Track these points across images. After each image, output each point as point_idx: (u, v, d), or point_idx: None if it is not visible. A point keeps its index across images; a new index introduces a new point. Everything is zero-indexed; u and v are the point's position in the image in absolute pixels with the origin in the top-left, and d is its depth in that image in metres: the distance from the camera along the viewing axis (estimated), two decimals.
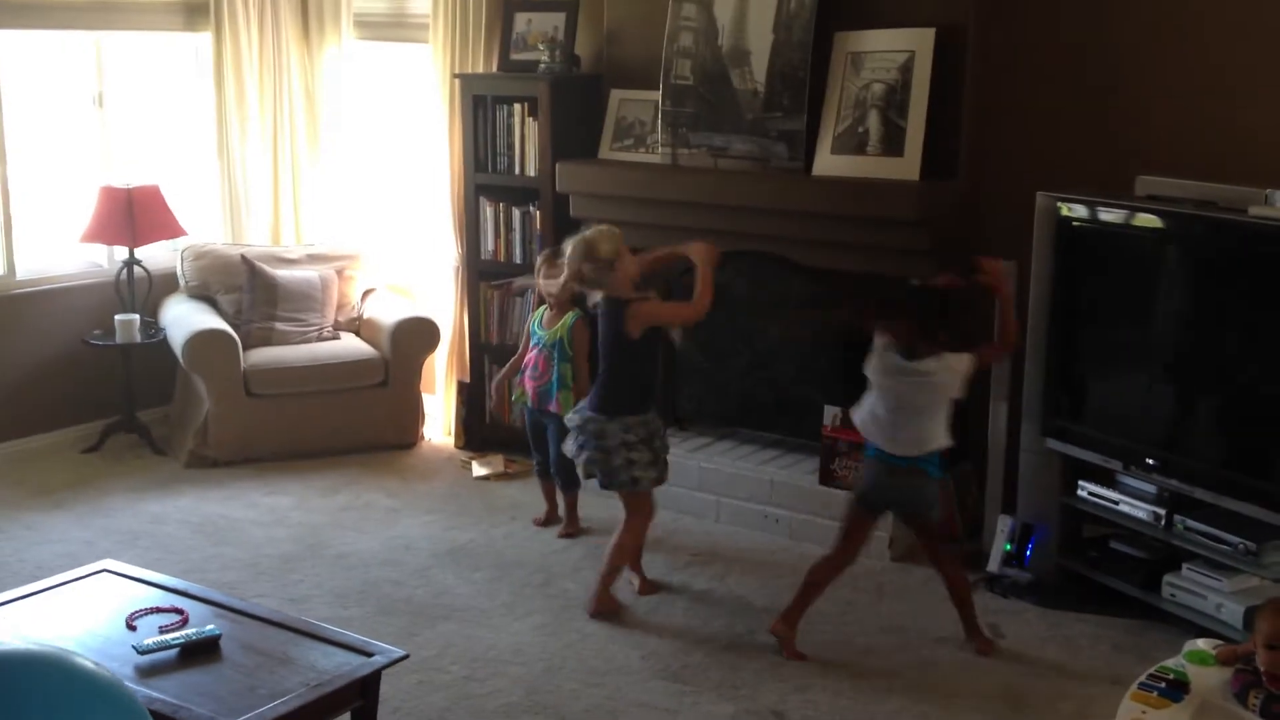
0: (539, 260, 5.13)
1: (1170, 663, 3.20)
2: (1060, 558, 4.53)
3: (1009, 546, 4.60)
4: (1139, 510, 4.31)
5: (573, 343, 4.97)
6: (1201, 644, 3.26)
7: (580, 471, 4.50)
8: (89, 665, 1.85)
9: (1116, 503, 4.38)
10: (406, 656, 3.33)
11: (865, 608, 4.48)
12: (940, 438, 4.01)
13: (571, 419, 4.42)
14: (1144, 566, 4.31)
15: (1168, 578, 4.21)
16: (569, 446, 4.44)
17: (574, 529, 5.09)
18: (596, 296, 4.38)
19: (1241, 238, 3.97)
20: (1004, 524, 4.65)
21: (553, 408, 4.95)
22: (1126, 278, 4.34)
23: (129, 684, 2.99)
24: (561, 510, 5.16)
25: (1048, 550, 4.54)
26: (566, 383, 4.96)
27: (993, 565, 4.63)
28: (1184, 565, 4.18)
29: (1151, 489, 4.29)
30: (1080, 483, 4.49)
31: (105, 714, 1.80)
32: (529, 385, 5.03)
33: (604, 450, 4.31)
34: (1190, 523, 4.17)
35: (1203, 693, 3.06)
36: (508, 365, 5.26)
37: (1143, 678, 3.13)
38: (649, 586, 4.59)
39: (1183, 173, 4.32)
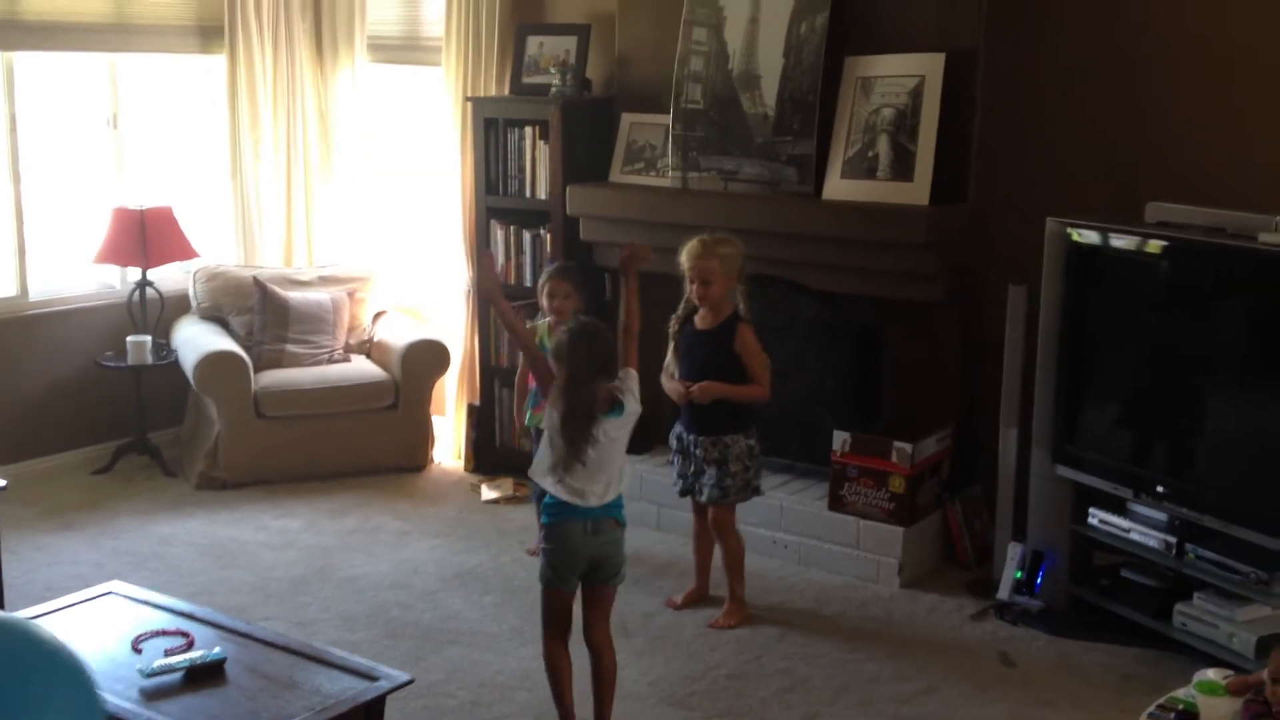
0: (543, 277, 5.09)
1: (1180, 693, 3.18)
2: (1071, 585, 4.51)
3: (1019, 574, 4.58)
4: (1150, 538, 4.29)
5: None
6: (1212, 674, 3.24)
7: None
8: (45, 634, 1.86)
9: (1127, 530, 4.36)
10: (412, 681, 3.32)
11: (874, 634, 4.45)
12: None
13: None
14: (1155, 595, 4.29)
15: (1179, 607, 4.18)
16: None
17: None
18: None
19: (1251, 264, 3.95)
20: (1014, 551, 4.62)
21: None
22: (1136, 303, 4.33)
23: (134, 706, 3.01)
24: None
25: (1058, 578, 4.52)
26: None
27: (1003, 593, 4.61)
28: (1195, 594, 4.15)
29: (1162, 517, 4.26)
30: (1091, 510, 4.47)
31: (55, 679, 1.81)
32: None
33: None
34: (1201, 551, 4.14)
35: None
36: (516, 390, 5.20)
37: (1151, 708, 3.12)
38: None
39: (1192, 199, 4.31)
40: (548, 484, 3.55)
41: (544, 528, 3.60)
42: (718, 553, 4.67)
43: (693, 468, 4.53)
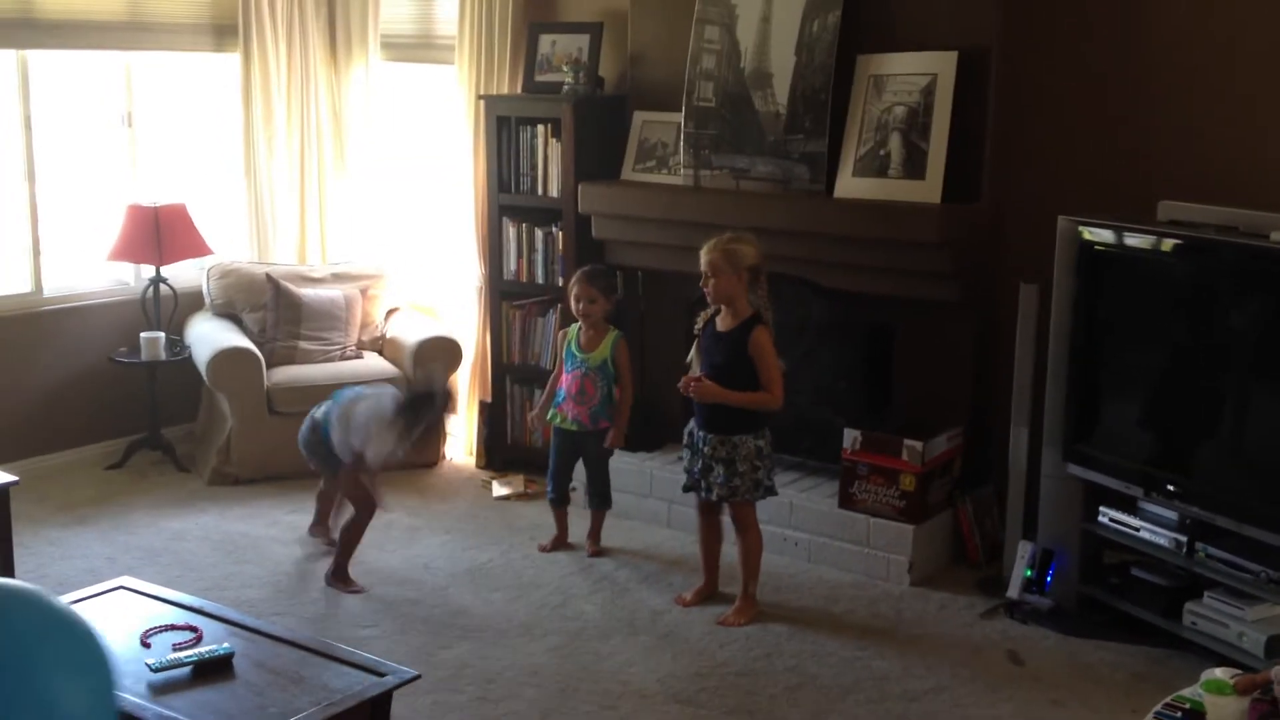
0: (574, 280, 5.12)
1: (1187, 692, 3.15)
2: (1081, 584, 4.49)
3: (1029, 572, 4.57)
4: (1160, 537, 4.27)
5: (617, 362, 5.00)
6: (1219, 673, 3.21)
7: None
8: (58, 604, 1.87)
9: (1137, 529, 4.34)
10: (419, 677, 3.33)
11: (883, 632, 4.45)
12: None
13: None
14: (1165, 594, 4.27)
15: (1189, 605, 4.16)
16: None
17: (599, 549, 5.10)
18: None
19: (1264, 262, 3.93)
20: (1024, 549, 4.61)
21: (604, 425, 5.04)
22: (1148, 302, 4.32)
23: (142, 700, 3.03)
24: (567, 532, 5.22)
25: (1068, 576, 4.51)
26: (614, 402, 5.03)
27: (1013, 591, 4.60)
28: (1205, 593, 4.13)
29: (1173, 516, 4.25)
30: (1101, 509, 4.46)
31: (69, 648, 1.83)
32: (574, 409, 5.03)
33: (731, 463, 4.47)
34: (1212, 550, 4.12)
35: None
36: (546, 394, 5.21)
37: (1158, 707, 3.09)
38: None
39: (1205, 198, 4.30)
40: None
41: None
42: (727, 549, 4.68)
43: (700, 464, 4.53)
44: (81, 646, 1.85)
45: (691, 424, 4.61)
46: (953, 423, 5.00)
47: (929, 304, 4.94)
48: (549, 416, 5.14)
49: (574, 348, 5.05)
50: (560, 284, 5.65)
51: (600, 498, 5.13)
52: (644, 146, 5.64)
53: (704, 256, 4.44)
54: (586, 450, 5.11)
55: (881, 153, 4.94)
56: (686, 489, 4.67)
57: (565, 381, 5.06)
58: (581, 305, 5.01)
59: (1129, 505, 4.38)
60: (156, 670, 3.13)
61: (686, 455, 4.63)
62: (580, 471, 5.19)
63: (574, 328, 5.11)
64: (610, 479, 5.17)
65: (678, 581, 4.80)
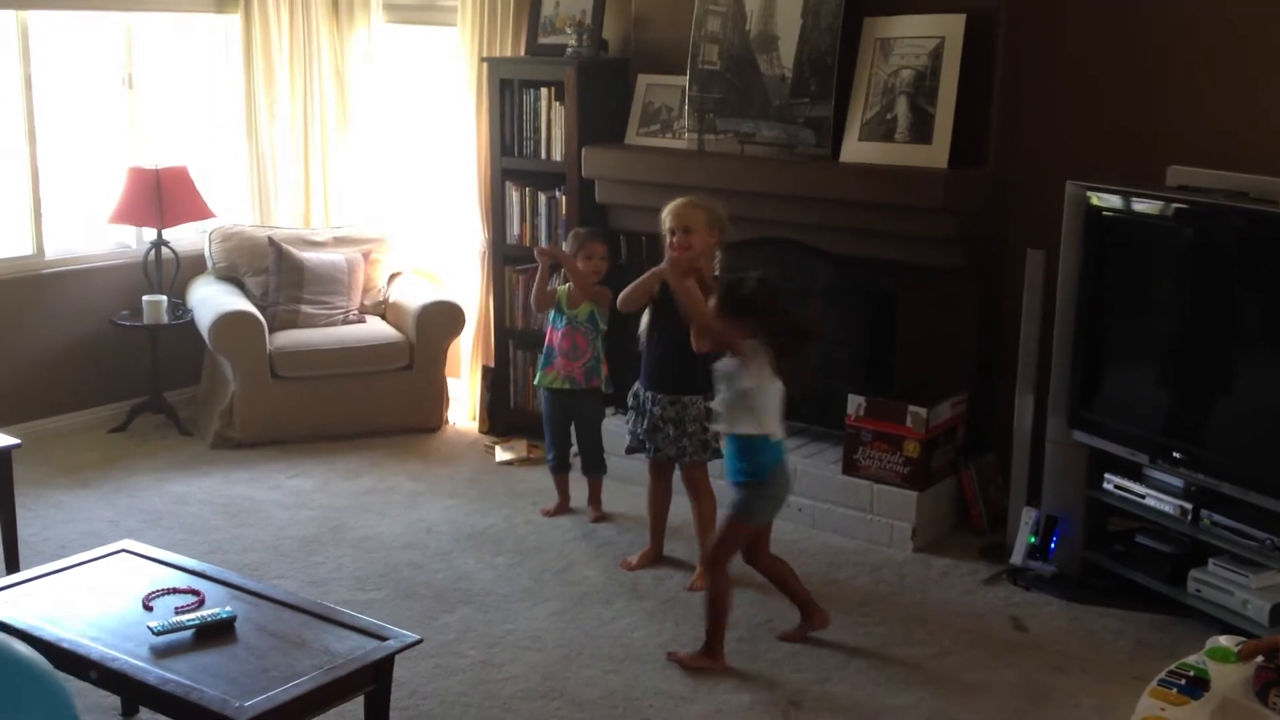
0: (577, 242, 5.08)
1: (1191, 659, 3.14)
2: (1085, 551, 4.49)
3: (1033, 539, 4.56)
4: (1165, 504, 4.26)
5: (599, 305, 4.96)
6: (1224, 640, 3.20)
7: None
8: (20, 651, 1.85)
9: (1143, 496, 4.33)
10: (420, 641, 3.31)
11: (886, 598, 4.45)
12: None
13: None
14: (1169, 561, 4.26)
15: (1193, 573, 4.15)
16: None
17: (601, 514, 5.10)
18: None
19: (1274, 229, 3.90)
20: (1028, 516, 4.60)
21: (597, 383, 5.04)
22: (1155, 268, 4.29)
23: (143, 663, 3.02)
24: (569, 498, 5.21)
25: (1072, 543, 4.50)
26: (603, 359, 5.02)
27: (1016, 558, 4.59)
28: (1210, 560, 4.13)
29: (1178, 483, 4.24)
30: (1106, 475, 4.44)
31: (31, 695, 1.81)
32: (565, 366, 5.01)
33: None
34: (1217, 518, 4.11)
35: (1223, 690, 3.01)
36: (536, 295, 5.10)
37: (1162, 674, 3.08)
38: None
39: (1212, 163, 4.26)
40: (780, 430, 3.95)
41: (771, 470, 3.93)
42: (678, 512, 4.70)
43: (646, 424, 4.51)
44: (45, 694, 1.83)
45: (637, 385, 4.58)
46: (957, 389, 4.98)
47: (934, 270, 4.91)
48: (537, 380, 5.12)
49: (564, 305, 5.02)
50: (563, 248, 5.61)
51: (594, 464, 5.11)
52: (648, 110, 5.60)
53: (682, 212, 4.35)
54: (578, 413, 5.09)
55: (888, 117, 4.90)
56: (630, 450, 4.66)
57: (555, 340, 5.03)
58: (594, 262, 4.97)
59: (1134, 472, 4.37)
60: (158, 634, 3.13)
61: (631, 417, 4.61)
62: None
63: (564, 288, 5.05)
64: (604, 444, 5.15)
65: (680, 547, 4.79)
